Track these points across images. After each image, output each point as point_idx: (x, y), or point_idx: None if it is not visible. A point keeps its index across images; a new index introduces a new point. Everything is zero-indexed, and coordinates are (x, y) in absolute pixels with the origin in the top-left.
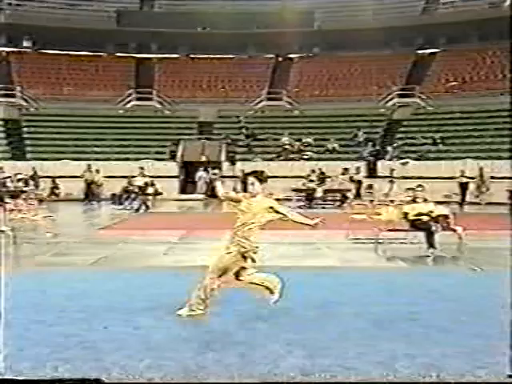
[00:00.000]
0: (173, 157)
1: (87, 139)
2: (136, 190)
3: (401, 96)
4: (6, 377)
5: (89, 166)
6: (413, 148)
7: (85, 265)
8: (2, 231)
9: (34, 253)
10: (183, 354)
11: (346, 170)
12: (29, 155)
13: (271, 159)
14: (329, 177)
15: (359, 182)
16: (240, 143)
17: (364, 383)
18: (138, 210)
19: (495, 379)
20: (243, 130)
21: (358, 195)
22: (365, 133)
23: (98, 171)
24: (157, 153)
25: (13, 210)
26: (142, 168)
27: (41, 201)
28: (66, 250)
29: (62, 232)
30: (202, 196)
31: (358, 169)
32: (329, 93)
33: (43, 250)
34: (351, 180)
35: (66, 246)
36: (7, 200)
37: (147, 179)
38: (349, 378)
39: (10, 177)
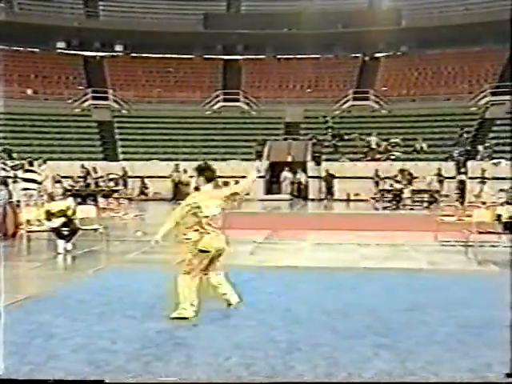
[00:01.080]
0: (259, 157)
1: (175, 140)
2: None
3: (494, 94)
4: (6, 377)
5: (176, 166)
6: (507, 148)
7: (173, 263)
8: (96, 229)
9: (125, 250)
10: (270, 353)
11: (439, 170)
12: (120, 156)
13: (358, 159)
14: (416, 177)
15: (462, 183)
16: (326, 143)
17: (365, 383)
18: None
19: (495, 379)
20: (329, 130)
21: (462, 197)
22: (454, 132)
23: (185, 171)
24: (243, 153)
25: (105, 208)
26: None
27: (131, 200)
28: (154, 249)
29: (151, 231)
30: (287, 196)
31: (459, 168)
32: (417, 91)
33: (133, 248)
34: (439, 181)
35: (154, 245)
36: (100, 199)
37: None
38: (349, 378)
39: (102, 177)
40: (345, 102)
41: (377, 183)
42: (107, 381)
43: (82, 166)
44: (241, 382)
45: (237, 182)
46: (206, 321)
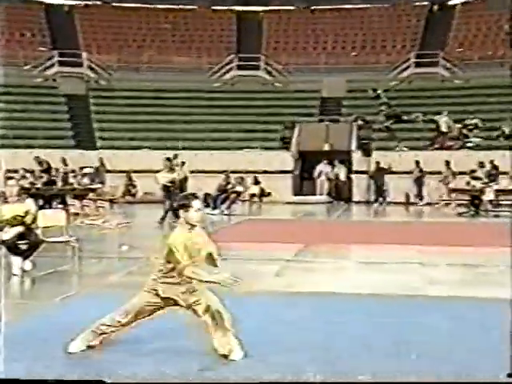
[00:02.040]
0: (286, 145)
1: (173, 122)
2: (237, 190)
3: None
4: (6, 377)
5: (174, 158)
6: None
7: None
8: (65, 242)
9: (104, 271)
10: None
11: None
12: (98, 143)
13: (422, 148)
14: (504, 173)
15: None
16: (377, 126)
17: (360, 383)
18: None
19: (495, 379)
20: (382, 108)
21: None
22: None
23: (183, 164)
24: (264, 139)
25: (77, 214)
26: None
27: (112, 202)
28: (144, 269)
29: (141, 244)
30: (323, 198)
31: None
32: (508, 53)
33: (116, 268)
34: None
35: (145, 263)
36: (70, 201)
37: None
38: (349, 379)
39: (73, 171)
40: (404, 69)
41: (447, 180)
42: (108, 381)
43: (37, 160)
44: (241, 382)
45: (257, 180)
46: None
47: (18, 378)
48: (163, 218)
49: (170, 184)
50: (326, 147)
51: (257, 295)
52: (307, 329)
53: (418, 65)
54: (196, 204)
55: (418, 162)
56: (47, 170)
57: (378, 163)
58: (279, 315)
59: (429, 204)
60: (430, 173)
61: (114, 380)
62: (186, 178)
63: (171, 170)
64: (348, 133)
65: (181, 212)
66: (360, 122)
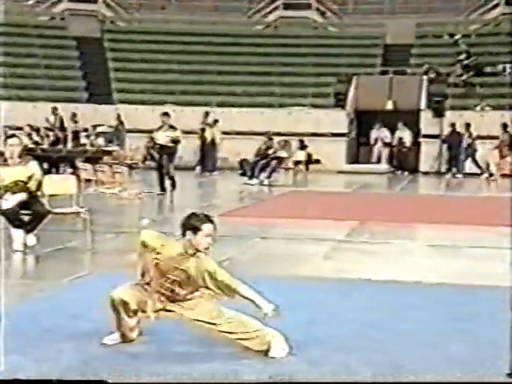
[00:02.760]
0: (340, 102)
1: (204, 72)
2: (279, 155)
3: None
4: (7, 377)
5: (206, 116)
6: None
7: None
8: (75, 213)
9: (122, 248)
10: None
11: None
12: (115, 96)
13: (510, 107)
14: None
15: None
16: (453, 80)
17: (365, 383)
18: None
19: (495, 379)
20: (461, 57)
21: None
22: None
23: (216, 122)
24: (314, 96)
25: (90, 180)
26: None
27: (132, 168)
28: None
29: (164, 217)
30: (383, 167)
31: None
32: None
33: (135, 244)
34: None
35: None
36: (81, 165)
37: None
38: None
39: (86, 129)
40: (490, 9)
41: None
42: (109, 381)
43: (53, 112)
44: (241, 381)
45: (303, 145)
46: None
47: (19, 377)
48: (163, 188)
49: (171, 145)
50: (389, 105)
51: (301, 281)
52: (361, 323)
53: (507, 3)
54: (207, 228)
55: (468, 125)
56: (61, 126)
57: (453, 125)
58: (328, 306)
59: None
60: None
61: (116, 380)
62: (213, 140)
63: (172, 127)
64: (416, 88)
65: (188, 233)
66: (432, 75)
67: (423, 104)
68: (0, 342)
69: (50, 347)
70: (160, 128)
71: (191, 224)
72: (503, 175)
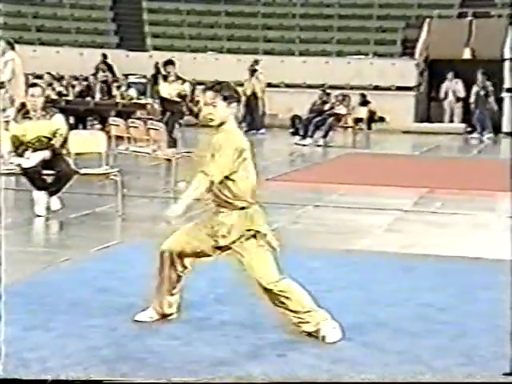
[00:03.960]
0: (408, 50)
1: (250, 14)
2: (337, 112)
3: None
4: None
5: (254, 65)
6: None
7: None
8: (105, 174)
9: (156, 215)
10: None
11: None
12: (149, 41)
13: None
14: None
15: None
16: None
17: (364, 383)
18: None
19: (495, 379)
20: None
21: None
22: None
23: (253, 72)
24: (378, 43)
25: (121, 137)
26: None
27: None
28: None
29: None
30: (458, 126)
31: None
32: None
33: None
34: None
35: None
36: (111, 120)
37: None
38: (351, 379)
39: (116, 79)
40: None
41: None
42: (108, 380)
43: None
44: (241, 381)
45: (365, 100)
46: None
47: (19, 377)
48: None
49: (177, 99)
50: (467, 54)
51: (359, 256)
52: (427, 304)
53: None
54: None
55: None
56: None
57: None
58: (389, 285)
59: None
60: None
61: (112, 378)
62: (255, 94)
63: (179, 79)
64: (501, 33)
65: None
66: None
67: (509, 52)
68: (0, 342)
69: (76, 324)
70: (165, 79)
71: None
72: None
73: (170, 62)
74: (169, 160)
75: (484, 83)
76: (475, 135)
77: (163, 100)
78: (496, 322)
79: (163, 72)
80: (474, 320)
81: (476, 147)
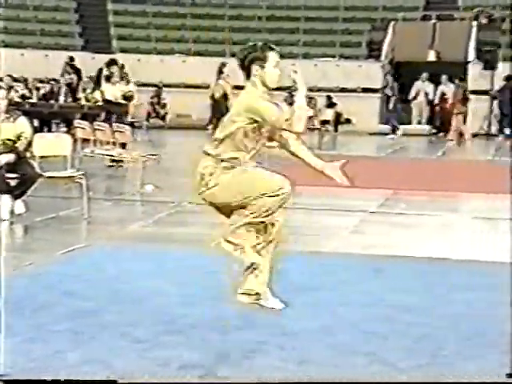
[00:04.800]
0: (374, 52)
1: (217, 16)
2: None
3: None
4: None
5: (221, 68)
6: None
7: (207, 243)
8: (70, 177)
9: (122, 218)
10: None
11: None
12: (115, 43)
13: None
14: None
15: None
16: (509, 27)
17: (364, 383)
18: None
19: (495, 379)
20: None
21: None
22: None
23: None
24: (344, 45)
25: (87, 140)
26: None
27: (134, 127)
28: (175, 216)
29: (171, 184)
30: (423, 128)
31: None
32: None
33: (138, 215)
34: None
35: (175, 209)
36: (77, 123)
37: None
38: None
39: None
40: None
41: None
42: (120, 381)
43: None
44: (241, 381)
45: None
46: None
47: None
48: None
49: (122, 101)
50: (432, 56)
51: (327, 257)
52: (395, 306)
53: None
54: (274, 56)
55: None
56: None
57: (507, 79)
58: (360, 286)
59: None
60: None
61: (127, 380)
62: (225, 95)
63: (123, 79)
64: (465, 36)
65: (254, 69)
66: (483, 20)
67: (472, 54)
68: (0, 342)
69: (41, 328)
70: (108, 80)
71: (256, 55)
72: None
73: (113, 62)
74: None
75: (448, 85)
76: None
77: (108, 102)
78: (461, 323)
79: (105, 72)
80: (440, 321)
81: (440, 149)
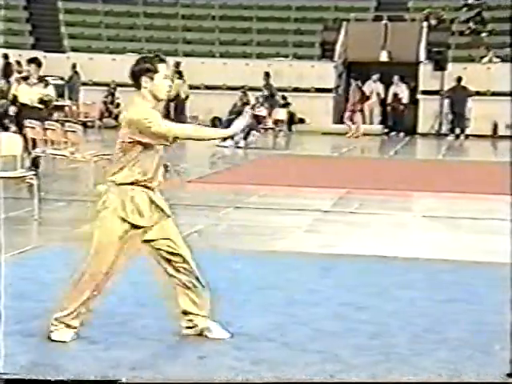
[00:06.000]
0: (326, 52)
1: (170, 16)
2: (257, 113)
3: None
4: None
5: (177, 67)
6: None
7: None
8: (21, 178)
9: (74, 218)
10: None
11: None
12: (67, 42)
13: None
14: None
15: None
16: (458, 28)
17: (365, 383)
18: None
19: (495, 379)
20: (468, 1)
21: None
22: None
23: (179, 74)
24: (297, 45)
25: (38, 140)
26: (267, 75)
27: (86, 127)
28: None
29: None
30: (376, 128)
31: None
32: None
33: (89, 215)
34: None
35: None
36: (27, 122)
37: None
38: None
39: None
40: None
41: None
42: (123, 380)
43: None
44: (241, 381)
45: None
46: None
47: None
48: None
49: (39, 105)
50: (384, 57)
51: (280, 257)
52: (346, 304)
53: None
54: (164, 68)
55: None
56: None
57: (458, 80)
58: (308, 285)
59: None
60: None
61: (129, 380)
62: (186, 96)
63: (41, 81)
64: (415, 37)
65: (144, 80)
66: (433, 21)
67: (422, 55)
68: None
69: None
70: (24, 80)
71: (145, 67)
72: None
73: (34, 60)
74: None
75: (399, 85)
76: (393, 134)
77: (22, 105)
78: (412, 320)
79: (24, 73)
80: (391, 318)
81: (393, 148)
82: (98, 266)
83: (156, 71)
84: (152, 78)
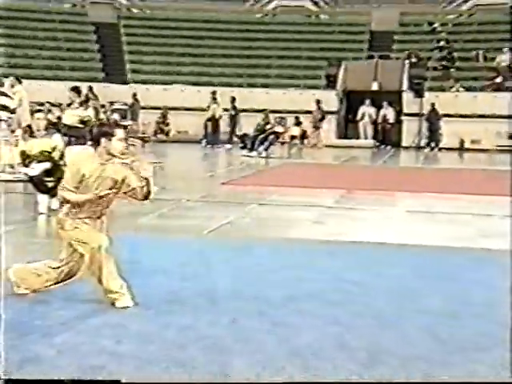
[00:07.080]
0: (330, 83)
1: (209, 55)
2: (276, 130)
3: None
4: (18, 377)
5: (213, 95)
6: None
7: (201, 233)
8: None
9: (135, 212)
10: (338, 362)
11: None
12: (129, 76)
13: (480, 89)
14: None
15: None
16: (433, 64)
17: (365, 383)
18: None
19: (495, 379)
20: (440, 44)
21: None
22: None
23: (215, 100)
24: (307, 77)
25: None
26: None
27: (144, 141)
28: (175, 211)
29: (172, 186)
30: (369, 142)
31: None
32: None
33: (146, 210)
34: None
35: (176, 205)
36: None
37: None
38: (350, 379)
39: (103, 106)
40: (465, 1)
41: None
42: (123, 381)
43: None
44: (241, 381)
45: (298, 121)
46: (248, 316)
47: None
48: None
49: (79, 125)
50: (375, 86)
51: (293, 243)
52: (346, 281)
53: None
54: (120, 133)
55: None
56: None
57: (433, 105)
58: (315, 265)
59: (486, 150)
60: (490, 116)
61: (130, 380)
62: (220, 116)
63: (82, 105)
64: (399, 71)
65: (103, 141)
66: (413, 59)
67: (405, 85)
68: (0, 342)
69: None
70: (69, 105)
71: (104, 131)
72: None
73: (74, 89)
74: None
75: (388, 108)
76: (382, 147)
77: (66, 127)
78: (398, 293)
79: (68, 100)
80: (382, 292)
81: (382, 157)
82: None
83: (114, 135)
84: (110, 140)
